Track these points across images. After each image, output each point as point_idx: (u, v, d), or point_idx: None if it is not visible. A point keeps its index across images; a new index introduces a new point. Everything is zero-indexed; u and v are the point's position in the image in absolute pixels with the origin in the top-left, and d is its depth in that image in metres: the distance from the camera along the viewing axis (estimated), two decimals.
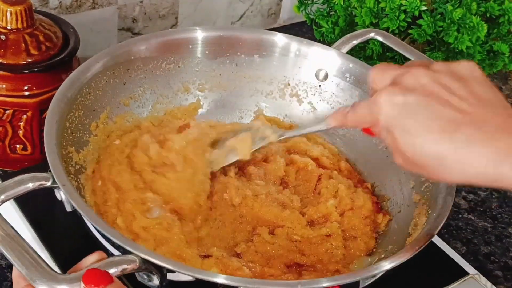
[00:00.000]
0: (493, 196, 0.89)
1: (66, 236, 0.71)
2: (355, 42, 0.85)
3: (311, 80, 0.84)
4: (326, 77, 0.83)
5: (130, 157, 0.72)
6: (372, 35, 0.86)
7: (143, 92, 0.79)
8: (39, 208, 0.72)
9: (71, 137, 0.68)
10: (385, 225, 0.72)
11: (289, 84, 0.84)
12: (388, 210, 0.74)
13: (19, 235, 0.52)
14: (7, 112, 0.75)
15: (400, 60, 0.98)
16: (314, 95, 0.84)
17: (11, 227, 0.53)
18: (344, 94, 0.82)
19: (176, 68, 0.81)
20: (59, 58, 0.76)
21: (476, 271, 0.75)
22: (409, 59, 0.91)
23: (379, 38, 0.85)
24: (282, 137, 0.73)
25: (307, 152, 0.80)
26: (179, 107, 0.82)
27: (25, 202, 0.72)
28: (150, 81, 0.80)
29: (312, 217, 0.71)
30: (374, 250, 0.70)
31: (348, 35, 0.85)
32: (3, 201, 0.55)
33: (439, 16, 0.92)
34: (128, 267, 0.51)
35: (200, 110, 0.84)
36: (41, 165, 0.69)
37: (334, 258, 0.67)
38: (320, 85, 0.83)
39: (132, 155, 0.72)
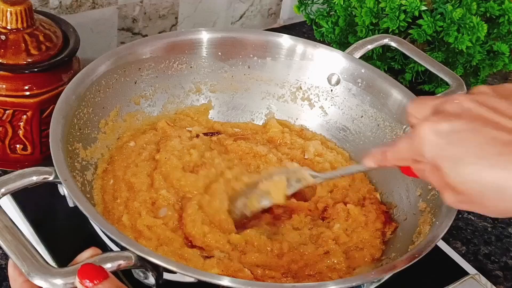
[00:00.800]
0: None
1: (64, 233, 0.71)
2: (370, 47, 0.85)
3: (323, 84, 0.84)
4: (338, 81, 0.83)
5: (157, 160, 0.73)
6: (386, 41, 0.86)
7: (154, 92, 0.80)
8: (37, 205, 0.72)
9: (78, 133, 0.68)
10: (391, 233, 0.72)
11: (301, 88, 0.84)
12: (394, 218, 0.74)
13: (17, 228, 0.52)
14: (7, 112, 0.75)
15: (400, 59, 0.98)
16: (326, 99, 0.84)
17: (10, 219, 0.53)
18: (355, 99, 0.82)
19: (188, 68, 0.81)
20: (59, 58, 0.76)
21: (476, 271, 0.75)
22: (408, 60, 0.91)
23: (393, 44, 0.85)
24: (319, 180, 0.70)
25: (322, 155, 0.80)
26: (190, 107, 0.83)
27: (23, 199, 0.72)
28: (162, 80, 0.80)
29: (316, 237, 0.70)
30: (379, 257, 0.70)
31: (361, 41, 0.85)
32: (4, 194, 0.56)
33: (439, 16, 0.92)
34: (123, 263, 0.51)
35: (211, 111, 0.84)
36: (41, 166, 0.69)
37: (337, 271, 0.67)
38: (332, 90, 0.83)
39: (162, 160, 0.72)
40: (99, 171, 0.71)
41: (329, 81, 0.83)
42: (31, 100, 0.75)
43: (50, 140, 0.62)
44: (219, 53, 0.82)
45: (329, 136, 0.84)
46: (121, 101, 0.76)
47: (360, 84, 0.81)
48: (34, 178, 0.58)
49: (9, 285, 0.66)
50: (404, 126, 0.77)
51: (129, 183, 0.70)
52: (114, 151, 0.74)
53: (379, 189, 0.78)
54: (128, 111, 0.77)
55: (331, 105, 0.84)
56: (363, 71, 0.81)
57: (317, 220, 0.73)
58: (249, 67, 0.83)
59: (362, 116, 0.82)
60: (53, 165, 0.59)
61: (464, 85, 0.80)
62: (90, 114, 0.71)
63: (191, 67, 0.81)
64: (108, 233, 0.54)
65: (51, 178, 0.59)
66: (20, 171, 0.57)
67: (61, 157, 0.60)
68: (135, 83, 0.77)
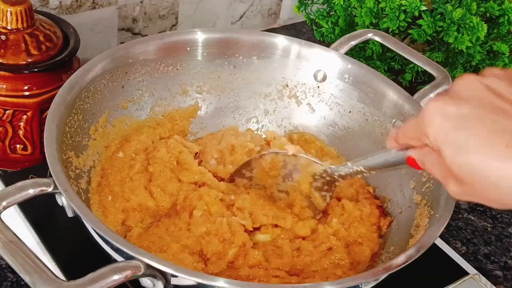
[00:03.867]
0: None
1: (69, 240, 0.71)
2: (353, 43, 0.85)
3: (310, 81, 0.83)
4: (324, 78, 0.83)
5: (151, 173, 0.73)
6: (370, 35, 0.86)
7: (142, 95, 0.79)
8: (42, 212, 0.72)
9: (70, 141, 0.68)
10: (386, 227, 0.72)
11: (287, 86, 0.84)
12: (389, 212, 0.74)
13: (22, 242, 0.52)
14: (7, 112, 0.75)
15: (400, 60, 0.98)
16: (313, 96, 0.84)
17: (14, 233, 0.52)
18: (343, 95, 0.82)
19: (175, 70, 0.81)
20: (59, 58, 0.76)
21: (476, 271, 0.75)
22: (408, 60, 0.91)
23: (378, 38, 0.85)
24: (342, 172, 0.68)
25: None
26: (178, 110, 0.82)
27: (28, 207, 0.71)
28: (149, 84, 0.79)
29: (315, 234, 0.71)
30: (377, 251, 0.70)
31: (346, 36, 0.85)
32: (5, 208, 0.55)
33: (439, 16, 0.92)
34: (132, 273, 0.51)
35: (199, 112, 0.84)
36: (41, 166, 0.69)
37: (341, 267, 0.67)
38: (318, 86, 0.83)
39: (156, 173, 0.73)
40: (94, 184, 0.71)
41: (315, 77, 0.83)
42: (31, 100, 0.75)
43: (45, 150, 0.61)
44: (205, 54, 0.82)
45: (317, 133, 0.84)
46: (110, 107, 0.75)
47: (347, 80, 0.81)
48: (31, 191, 0.57)
49: (9, 285, 0.66)
50: (394, 120, 0.77)
51: (128, 198, 0.70)
52: (104, 162, 0.73)
53: (372, 184, 0.78)
54: (117, 116, 0.76)
55: (319, 101, 0.84)
56: (349, 66, 0.81)
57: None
58: (234, 67, 0.83)
59: (350, 112, 0.82)
60: (49, 173, 0.58)
61: (450, 78, 0.80)
62: (80, 121, 0.70)
63: (177, 69, 0.81)
64: (115, 244, 0.54)
65: (50, 189, 0.58)
66: (18, 183, 0.57)
67: (59, 168, 0.60)
68: (123, 87, 0.77)
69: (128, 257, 0.53)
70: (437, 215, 0.63)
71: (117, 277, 0.50)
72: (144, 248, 0.64)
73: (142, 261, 0.52)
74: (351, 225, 0.71)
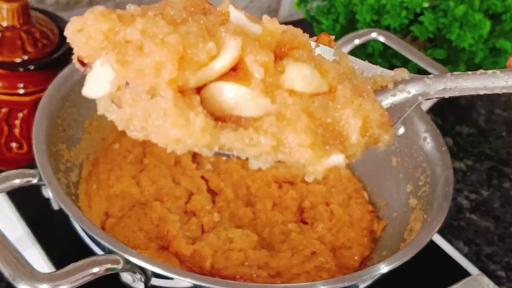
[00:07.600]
0: (496, 196, 0.88)
1: (60, 233, 0.70)
2: (357, 42, 0.84)
3: None
4: None
5: (145, 165, 0.72)
6: (374, 35, 0.85)
7: None
8: (34, 205, 0.71)
9: (62, 134, 0.68)
10: (381, 231, 0.72)
11: None
12: (384, 215, 0.73)
13: (2, 234, 0.51)
14: (3, 110, 0.75)
15: (402, 58, 0.97)
16: None
17: None
18: None
19: None
20: (55, 55, 0.75)
21: (478, 272, 0.75)
22: (410, 60, 0.91)
23: (381, 38, 0.85)
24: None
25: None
26: None
27: (19, 199, 0.72)
28: None
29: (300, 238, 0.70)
30: (368, 255, 0.69)
31: (349, 35, 0.85)
32: None
33: (441, 13, 0.91)
34: (112, 266, 0.51)
35: None
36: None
37: (326, 270, 0.66)
38: None
39: (151, 165, 0.72)
40: (84, 174, 0.70)
41: None
42: (27, 98, 0.74)
43: (33, 142, 0.61)
44: None
45: None
46: None
47: None
48: (18, 181, 0.57)
49: (5, 286, 0.65)
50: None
51: (111, 187, 0.69)
52: (99, 153, 0.73)
53: (369, 187, 0.77)
54: None
55: None
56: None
57: (298, 223, 0.72)
58: None
59: None
60: (37, 167, 0.58)
61: None
62: (74, 114, 0.70)
63: None
64: (96, 237, 0.53)
65: (35, 180, 0.58)
66: (3, 173, 0.57)
67: (45, 159, 0.60)
68: None
69: (110, 252, 0.53)
70: (429, 219, 0.62)
71: (95, 270, 0.50)
72: (122, 240, 0.64)
73: (121, 256, 0.52)
74: (340, 230, 0.70)
